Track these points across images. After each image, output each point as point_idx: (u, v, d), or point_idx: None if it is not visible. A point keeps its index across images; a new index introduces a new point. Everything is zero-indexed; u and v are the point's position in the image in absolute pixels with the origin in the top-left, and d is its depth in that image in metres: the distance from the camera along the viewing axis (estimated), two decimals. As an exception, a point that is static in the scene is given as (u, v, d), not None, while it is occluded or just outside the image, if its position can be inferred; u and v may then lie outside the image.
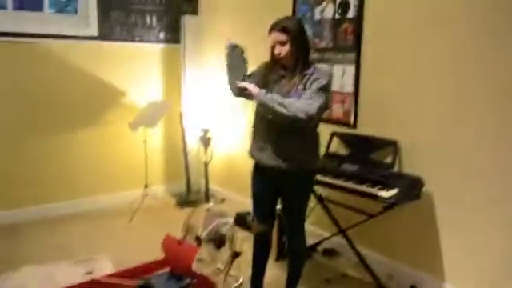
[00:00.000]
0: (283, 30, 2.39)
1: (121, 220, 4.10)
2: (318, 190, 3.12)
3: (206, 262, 3.12)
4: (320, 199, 3.16)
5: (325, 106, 2.40)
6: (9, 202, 3.97)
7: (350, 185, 2.82)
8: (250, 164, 2.74)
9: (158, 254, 3.15)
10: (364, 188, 2.74)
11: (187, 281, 2.87)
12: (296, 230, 2.65)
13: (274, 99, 2.32)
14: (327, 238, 3.37)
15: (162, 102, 4.57)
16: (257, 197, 2.72)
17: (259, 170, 2.63)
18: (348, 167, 2.96)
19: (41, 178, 4.10)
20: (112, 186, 4.49)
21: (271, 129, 2.46)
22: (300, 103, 2.31)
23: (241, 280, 2.99)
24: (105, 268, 3.17)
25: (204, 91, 4.63)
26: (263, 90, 2.38)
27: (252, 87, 2.38)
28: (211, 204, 3.12)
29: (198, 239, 2.98)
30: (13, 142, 3.95)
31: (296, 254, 2.73)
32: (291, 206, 2.62)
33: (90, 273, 3.11)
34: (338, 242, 3.37)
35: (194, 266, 2.88)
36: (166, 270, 2.97)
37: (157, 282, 2.87)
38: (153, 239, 3.48)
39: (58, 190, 4.21)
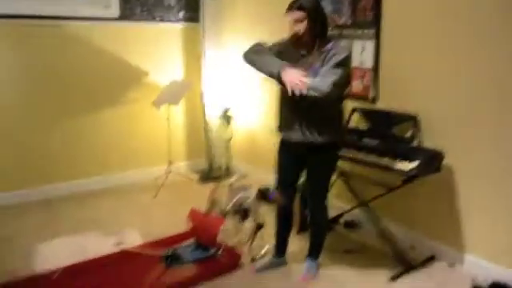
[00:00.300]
0: (300, 7, 2.45)
1: (146, 195, 4.24)
2: (340, 164, 3.19)
3: (230, 233, 3.25)
4: (341, 173, 3.24)
5: (341, 81, 2.44)
6: (42, 178, 4.16)
7: (371, 158, 2.88)
8: (270, 140, 2.83)
9: (182, 227, 3.30)
10: (384, 161, 2.81)
11: (213, 251, 3.01)
12: (319, 202, 2.75)
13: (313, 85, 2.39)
14: (348, 211, 3.45)
15: (183, 81, 4.66)
16: (282, 170, 2.82)
17: (286, 145, 2.74)
18: (368, 142, 3.02)
19: (70, 155, 4.27)
20: (137, 162, 4.64)
21: (297, 105, 2.53)
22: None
23: (264, 250, 3.10)
24: (133, 240, 3.32)
25: (224, 69, 4.70)
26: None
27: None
28: (234, 178, 3.20)
29: (223, 212, 3.10)
30: (44, 121, 4.11)
31: (318, 225, 2.83)
32: (315, 179, 2.71)
33: (119, 244, 3.26)
34: (358, 214, 3.46)
35: (220, 238, 3.01)
36: (192, 241, 3.12)
37: (183, 251, 3.02)
38: (177, 213, 3.62)
39: (86, 167, 4.37)
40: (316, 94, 2.36)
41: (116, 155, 4.51)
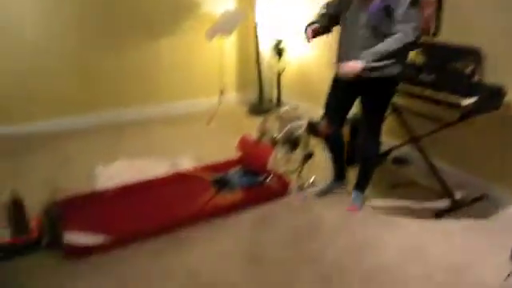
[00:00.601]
0: None
1: (198, 124, 4.38)
2: (393, 99, 3.14)
3: (280, 162, 3.34)
4: (394, 108, 3.19)
5: (420, 23, 2.41)
6: (102, 105, 4.37)
7: (428, 93, 2.81)
8: (323, 73, 2.82)
9: (231, 155, 3.41)
10: (441, 96, 2.74)
11: (261, 178, 3.12)
12: (372, 135, 2.74)
13: (374, 54, 2.41)
14: (398, 147, 3.43)
15: (237, 10, 4.61)
16: (333, 99, 2.83)
17: (342, 78, 2.71)
18: (426, 76, 2.93)
19: (128, 84, 4.43)
20: (190, 92, 4.76)
21: (357, 38, 2.51)
22: (393, 40, 2.39)
23: (312, 179, 3.18)
24: (186, 164, 3.48)
25: (278, 0, 4.60)
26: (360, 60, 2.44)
27: (352, 67, 2.46)
28: (286, 108, 3.24)
29: (274, 141, 3.17)
30: (104, 49, 4.25)
31: (368, 158, 2.84)
32: (371, 112, 2.70)
33: (174, 168, 3.43)
34: (408, 151, 3.44)
35: (269, 165, 3.10)
36: (240, 168, 3.23)
37: (232, 177, 3.14)
38: (227, 142, 3.73)
39: (142, 96, 4.54)
40: (404, 46, 2.41)
41: (171, 85, 4.63)
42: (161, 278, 2.22)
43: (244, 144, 3.24)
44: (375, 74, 2.51)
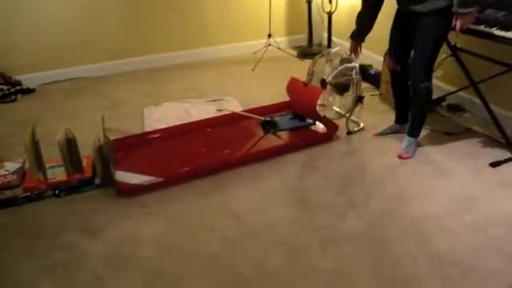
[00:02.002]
0: None
1: (245, 68, 4.30)
2: (452, 38, 2.92)
3: (329, 105, 3.24)
4: (453, 49, 2.98)
5: None
6: (149, 48, 4.38)
7: (493, 31, 2.59)
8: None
9: (278, 99, 3.34)
10: (510, 34, 2.51)
11: (309, 121, 3.05)
12: (423, 74, 2.57)
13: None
14: (453, 92, 3.24)
15: None
16: (393, 35, 2.75)
17: (400, 12, 2.64)
18: (492, 13, 2.69)
19: (175, 27, 4.38)
20: (237, 36, 4.66)
21: None
22: None
23: (361, 125, 3.07)
24: (232, 107, 3.45)
25: None
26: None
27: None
28: (337, 48, 3.09)
29: (324, 82, 3.05)
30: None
31: (420, 100, 2.68)
32: (421, 47, 2.53)
33: (220, 110, 3.41)
34: (463, 97, 3.24)
35: (318, 109, 3.01)
36: (289, 111, 3.18)
37: (280, 119, 3.09)
38: (274, 86, 3.66)
39: (189, 39, 4.48)
40: None
41: (218, 28, 4.55)
42: (207, 218, 2.26)
43: (292, 87, 3.16)
44: (418, 9, 2.41)
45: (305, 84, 2.98)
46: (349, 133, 3.01)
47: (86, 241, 2.14)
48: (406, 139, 2.78)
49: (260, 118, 3.11)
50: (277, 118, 3.13)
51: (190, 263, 1.98)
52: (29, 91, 3.89)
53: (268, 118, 3.10)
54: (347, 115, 3.03)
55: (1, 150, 2.91)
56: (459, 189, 2.42)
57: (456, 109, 3.32)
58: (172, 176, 2.53)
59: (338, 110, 3.23)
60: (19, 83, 3.90)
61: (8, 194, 2.40)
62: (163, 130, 3.01)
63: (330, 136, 2.96)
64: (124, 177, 2.43)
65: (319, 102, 2.92)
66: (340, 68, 2.95)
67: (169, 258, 2.01)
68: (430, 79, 2.60)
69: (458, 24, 2.39)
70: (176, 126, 3.05)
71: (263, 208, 2.31)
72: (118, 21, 4.17)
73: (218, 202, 2.37)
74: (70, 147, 2.41)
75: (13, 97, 3.76)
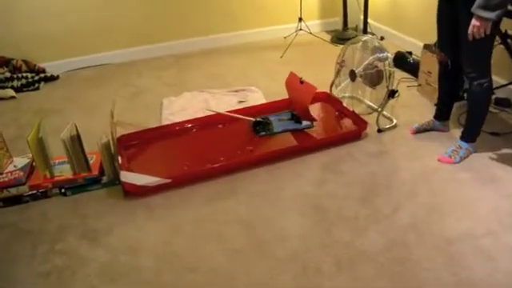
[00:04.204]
0: None
1: (273, 54, 4.05)
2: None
3: (359, 99, 2.96)
4: (503, 36, 2.61)
5: None
6: (172, 34, 4.20)
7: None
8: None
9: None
10: None
11: (305, 124, 2.78)
12: (476, 69, 2.24)
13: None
14: (503, 86, 2.88)
15: None
16: (439, 28, 2.42)
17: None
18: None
19: (200, 12, 4.17)
20: (266, 19, 4.39)
21: None
22: None
23: (394, 122, 2.78)
24: (256, 99, 3.23)
25: None
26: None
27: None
28: (369, 37, 2.79)
29: (353, 74, 2.78)
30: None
31: (474, 101, 2.35)
32: (469, 41, 2.19)
33: (242, 102, 3.21)
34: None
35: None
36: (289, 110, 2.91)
37: (275, 120, 2.83)
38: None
39: (215, 24, 4.27)
40: None
41: (245, 12, 4.29)
42: (214, 226, 2.08)
43: (290, 83, 2.88)
44: None
45: (301, 81, 2.71)
46: (379, 130, 2.72)
47: (87, 246, 2.02)
48: (457, 142, 2.46)
49: (250, 119, 2.79)
50: (272, 119, 2.84)
51: (190, 277, 1.81)
52: (52, 78, 3.83)
53: (259, 119, 2.81)
54: (379, 110, 2.74)
55: (17, 141, 2.84)
56: (505, 202, 2.10)
57: (505, 104, 2.95)
58: (180, 177, 2.36)
59: (368, 103, 2.94)
60: (43, 71, 3.84)
61: (13, 191, 2.31)
62: (175, 125, 2.85)
63: (358, 134, 2.68)
64: (130, 177, 2.28)
65: (310, 102, 2.63)
66: (371, 58, 2.66)
67: (168, 270, 1.85)
68: (485, 76, 2.26)
69: (471, 27, 2.05)
70: (188, 121, 2.88)
71: (276, 216, 2.11)
72: (143, 5, 4.01)
73: (227, 208, 2.18)
74: (74, 144, 2.29)
75: (36, 85, 3.71)
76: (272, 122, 2.80)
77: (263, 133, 2.73)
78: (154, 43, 4.16)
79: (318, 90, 3.06)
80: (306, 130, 2.76)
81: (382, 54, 2.63)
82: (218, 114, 2.83)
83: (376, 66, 2.68)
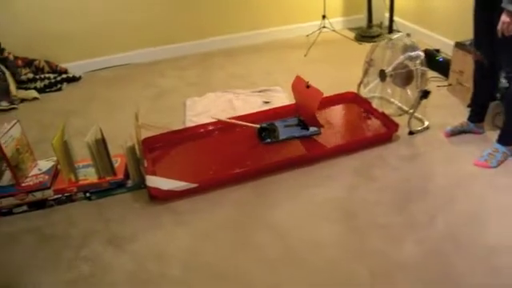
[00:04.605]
0: None
1: (297, 53, 3.97)
2: None
3: (388, 100, 2.86)
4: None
5: None
6: (195, 33, 4.15)
7: None
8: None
9: (332, 91, 3.01)
10: None
11: (313, 131, 2.68)
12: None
13: None
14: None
15: None
16: (476, 26, 2.32)
17: None
18: None
19: (223, 10, 4.10)
20: (289, 17, 4.31)
21: None
22: None
23: (426, 124, 2.68)
24: (280, 99, 3.16)
25: None
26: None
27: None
28: (399, 35, 2.69)
29: (383, 73, 2.69)
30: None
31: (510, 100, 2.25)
32: (507, 38, 2.08)
33: (267, 102, 3.14)
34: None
35: (375, 105, 2.66)
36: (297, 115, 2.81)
37: (281, 125, 2.73)
38: (328, 74, 3.33)
39: (239, 22, 4.21)
40: None
41: (268, 10, 4.21)
42: (244, 232, 2.01)
43: (296, 87, 2.77)
44: None
45: (307, 86, 2.61)
46: (411, 133, 2.62)
47: (112, 252, 1.98)
48: (493, 145, 2.35)
49: (255, 125, 2.67)
50: (278, 125, 2.73)
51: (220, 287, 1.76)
52: (74, 79, 3.81)
53: (264, 125, 2.70)
54: (410, 111, 2.64)
55: (40, 143, 2.81)
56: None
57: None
58: (207, 182, 2.30)
59: (399, 104, 2.84)
60: (65, 71, 3.83)
61: (38, 195, 2.29)
62: (199, 127, 2.79)
63: (389, 136, 2.59)
64: (155, 181, 2.23)
65: (316, 107, 2.52)
66: (402, 57, 2.56)
67: (197, 280, 1.79)
68: None
69: (500, 24, 1.96)
70: (213, 123, 2.81)
71: (308, 223, 2.03)
72: (166, 5, 3.95)
73: (256, 214, 2.11)
74: (99, 148, 2.25)
75: (58, 85, 3.69)
76: (277, 129, 2.69)
77: (268, 140, 2.62)
78: (176, 43, 4.11)
79: (345, 91, 3.01)
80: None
81: (413, 53, 2.53)
82: (222, 122, 2.73)
83: (407, 66, 2.58)
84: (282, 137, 2.63)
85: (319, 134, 2.65)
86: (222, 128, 2.78)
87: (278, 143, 2.61)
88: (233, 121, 2.70)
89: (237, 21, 4.18)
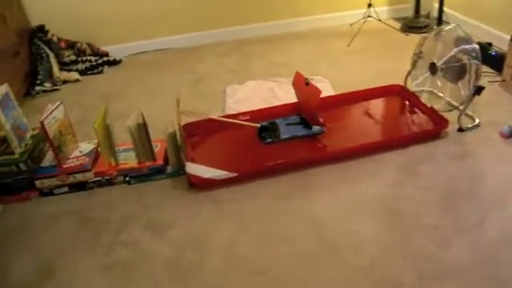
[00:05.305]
0: None
1: (340, 42, 3.85)
2: None
3: (437, 95, 2.74)
4: None
5: None
6: (236, 19, 4.10)
7: None
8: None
9: (376, 82, 2.90)
10: None
11: (316, 129, 2.55)
12: None
13: None
14: None
15: None
16: None
17: None
18: None
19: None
20: (334, 5, 4.19)
21: None
22: None
23: (477, 121, 2.54)
24: (323, 89, 3.06)
25: None
26: None
27: None
28: (451, 26, 2.55)
29: (434, 67, 2.57)
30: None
31: None
32: None
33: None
34: None
35: (424, 99, 2.54)
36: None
37: (282, 124, 2.62)
38: (372, 65, 3.22)
39: (281, 9, 4.12)
40: None
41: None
42: (284, 226, 1.96)
43: (297, 83, 2.65)
44: None
45: (306, 83, 2.49)
46: (460, 130, 2.50)
47: (150, 238, 1.97)
48: None
49: (255, 125, 2.56)
50: (279, 123, 2.62)
51: (258, 281, 1.71)
52: (115, 62, 3.83)
53: (265, 124, 2.59)
54: (461, 108, 2.51)
55: (81, 125, 2.84)
56: None
57: None
58: (247, 172, 2.26)
59: (448, 100, 2.71)
60: (106, 54, 3.85)
61: (79, 177, 2.30)
62: (239, 115, 2.73)
63: (437, 133, 2.47)
64: (196, 169, 2.21)
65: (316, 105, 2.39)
66: (456, 50, 2.43)
67: (235, 273, 1.76)
68: None
69: None
70: (257, 111, 2.75)
71: (349, 219, 1.96)
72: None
73: (297, 207, 2.06)
74: (140, 133, 2.24)
75: (99, 68, 3.72)
76: (279, 127, 2.58)
77: (269, 139, 2.52)
78: (216, 28, 4.07)
79: (390, 83, 2.90)
80: (380, 125, 2.58)
81: (468, 46, 2.39)
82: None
83: (460, 59, 2.45)
84: (283, 136, 2.53)
85: (323, 132, 2.53)
86: (262, 117, 2.72)
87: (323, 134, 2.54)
88: (229, 120, 2.57)
89: (279, 7, 4.10)
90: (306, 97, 2.57)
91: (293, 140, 2.51)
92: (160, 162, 2.33)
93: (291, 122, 2.64)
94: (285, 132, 2.55)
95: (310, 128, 2.56)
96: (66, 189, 2.31)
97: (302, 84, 2.55)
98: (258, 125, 2.56)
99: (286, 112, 2.72)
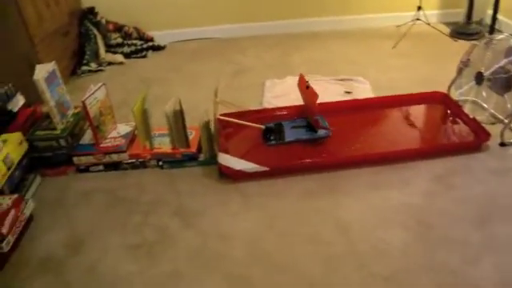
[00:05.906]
0: None
1: (385, 43, 3.78)
2: None
3: (481, 105, 2.65)
4: None
5: None
6: (280, 14, 4.08)
7: None
8: None
9: (420, 88, 2.83)
10: None
11: (322, 133, 2.49)
12: None
13: None
14: None
15: None
16: None
17: None
18: None
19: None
20: (383, 6, 4.11)
21: None
22: None
23: (522, 135, 2.45)
24: (361, 91, 3.03)
25: None
26: None
27: None
28: (503, 35, 2.45)
29: (480, 76, 2.48)
30: None
31: None
32: None
33: (348, 93, 3.02)
34: None
35: (467, 109, 2.46)
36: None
37: (288, 127, 2.58)
38: (417, 70, 3.14)
39: (328, 5, 4.08)
40: None
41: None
42: (310, 226, 1.96)
43: (300, 85, 2.60)
44: None
45: (307, 86, 2.42)
46: (503, 144, 2.40)
47: (178, 223, 2.01)
48: None
49: (260, 126, 2.52)
50: (285, 126, 2.58)
51: (278, 278, 1.72)
52: (159, 48, 3.90)
53: (271, 125, 2.55)
54: (506, 121, 2.42)
55: (122, 107, 2.92)
56: None
57: None
58: (278, 167, 2.26)
59: (493, 112, 2.61)
60: (152, 39, 3.93)
61: (114, 157, 2.37)
62: (276, 110, 2.74)
63: (477, 145, 2.40)
64: (228, 160, 2.23)
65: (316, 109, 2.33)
66: (505, 61, 2.34)
67: (257, 267, 1.77)
68: None
69: None
70: (290, 107, 2.75)
71: (376, 225, 1.93)
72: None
73: (325, 208, 2.05)
74: (176, 119, 2.27)
75: (144, 52, 3.80)
76: (284, 130, 2.55)
77: (274, 142, 2.48)
78: (260, 21, 4.07)
79: (433, 90, 2.82)
80: (417, 133, 2.52)
81: (518, 58, 2.30)
82: (246, 113, 2.63)
83: (509, 71, 2.35)
84: (287, 139, 2.49)
85: (329, 136, 2.48)
86: (297, 114, 2.71)
87: (361, 138, 2.51)
88: (235, 120, 2.52)
89: (326, 4, 4.05)
90: (307, 100, 2.56)
91: (322, 140, 2.49)
92: (193, 149, 2.36)
93: (297, 125, 2.62)
94: (289, 135, 2.52)
95: (316, 131, 2.52)
96: (101, 167, 2.39)
97: (303, 87, 2.53)
98: (263, 126, 2.55)
99: (320, 111, 2.69)
